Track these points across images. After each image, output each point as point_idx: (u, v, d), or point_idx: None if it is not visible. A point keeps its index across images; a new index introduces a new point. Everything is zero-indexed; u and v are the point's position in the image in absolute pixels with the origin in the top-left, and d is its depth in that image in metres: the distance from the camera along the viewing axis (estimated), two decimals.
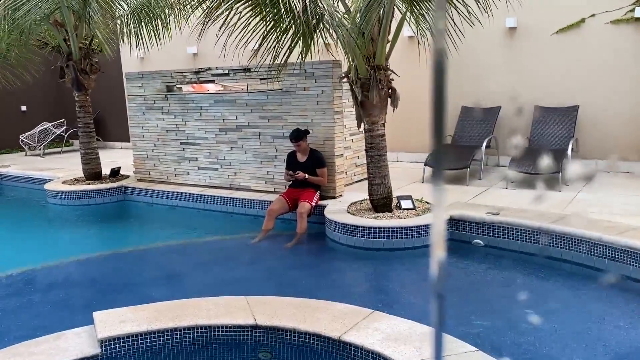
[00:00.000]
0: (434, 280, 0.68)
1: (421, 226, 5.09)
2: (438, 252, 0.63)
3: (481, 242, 5.06)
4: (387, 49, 5.27)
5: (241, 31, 5.00)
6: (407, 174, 7.79)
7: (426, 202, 5.78)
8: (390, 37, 5.24)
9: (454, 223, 5.23)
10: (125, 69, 11.99)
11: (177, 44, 10.85)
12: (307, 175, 5.84)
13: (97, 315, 3.17)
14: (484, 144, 7.28)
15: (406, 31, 8.31)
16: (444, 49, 0.64)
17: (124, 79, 9.01)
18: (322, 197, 6.16)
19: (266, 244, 5.64)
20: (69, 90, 8.59)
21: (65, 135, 12.84)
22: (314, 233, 5.86)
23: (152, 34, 7.78)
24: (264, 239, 5.68)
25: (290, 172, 5.86)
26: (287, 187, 6.18)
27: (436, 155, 0.72)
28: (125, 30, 7.93)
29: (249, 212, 6.70)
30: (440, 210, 0.64)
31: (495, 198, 5.96)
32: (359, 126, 5.63)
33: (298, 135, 5.82)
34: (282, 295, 3.42)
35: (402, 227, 5.07)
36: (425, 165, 7.21)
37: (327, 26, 4.85)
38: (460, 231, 5.21)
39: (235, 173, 7.18)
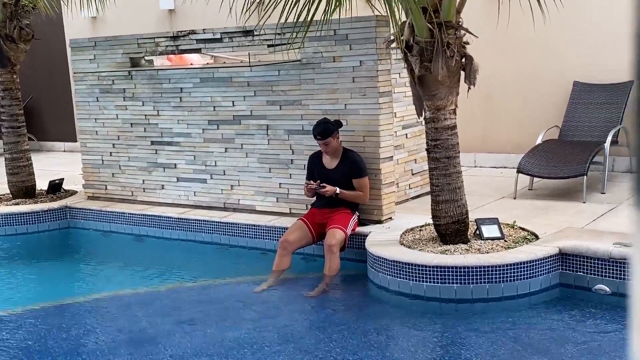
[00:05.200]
0: None
1: (514, 265, 5.05)
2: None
3: (607, 289, 5.03)
4: None
5: None
6: (490, 185, 7.77)
7: (521, 228, 5.75)
8: None
9: (565, 260, 5.22)
10: (70, 34, 12.18)
11: None
12: (338, 189, 5.84)
13: None
14: (609, 139, 7.20)
15: None
16: None
17: (68, 50, 9.16)
18: (362, 222, 6.16)
19: (278, 292, 5.64)
20: None
21: None
22: (350, 275, 5.84)
23: None
24: (276, 284, 5.69)
25: (315, 184, 5.87)
26: (310, 206, 6.20)
27: None
28: None
29: (253, 245, 6.73)
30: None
31: (628, 221, 5.88)
32: (419, 114, 5.61)
33: (326, 130, 5.83)
34: None
35: (484, 267, 5.03)
36: (518, 172, 7.15)
37: None
38: (575, 272, 5.19)
39: (231, 186, 7.23)
